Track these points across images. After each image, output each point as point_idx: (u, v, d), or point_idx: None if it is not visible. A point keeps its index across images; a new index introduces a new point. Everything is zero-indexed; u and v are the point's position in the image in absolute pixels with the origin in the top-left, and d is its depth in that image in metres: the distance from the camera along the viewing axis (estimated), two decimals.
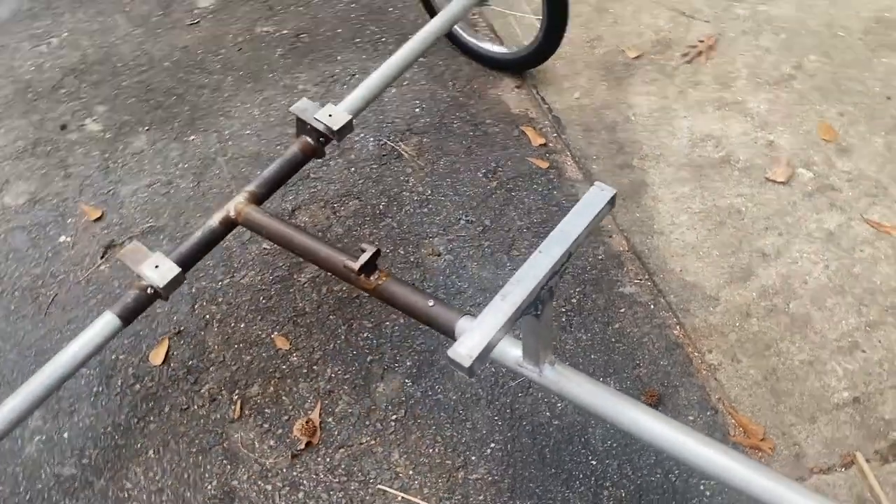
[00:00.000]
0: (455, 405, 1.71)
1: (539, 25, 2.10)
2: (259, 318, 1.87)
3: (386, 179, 2.13)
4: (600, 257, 1.94)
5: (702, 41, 2.35)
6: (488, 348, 0.95)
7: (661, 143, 2.15)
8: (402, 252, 1.98)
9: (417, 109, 2.30)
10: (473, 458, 1.64)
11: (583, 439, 1.66)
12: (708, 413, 1.68)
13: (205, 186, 2.15)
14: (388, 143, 2.21)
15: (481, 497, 1.59)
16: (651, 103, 2.24)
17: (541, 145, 2.18)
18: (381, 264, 1.94)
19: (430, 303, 1.34)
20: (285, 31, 2.56)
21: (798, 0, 2.50)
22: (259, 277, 1.95)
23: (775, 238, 1.93)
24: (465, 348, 0.93)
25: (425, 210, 2.06)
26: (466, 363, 0.92)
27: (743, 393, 1.70)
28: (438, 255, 1.97)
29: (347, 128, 1.67)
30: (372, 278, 1.41)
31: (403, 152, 2.19)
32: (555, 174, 2.12)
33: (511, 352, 1.22)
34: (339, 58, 2.47)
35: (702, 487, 1.59)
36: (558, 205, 2.04)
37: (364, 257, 1.39)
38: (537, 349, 1.13)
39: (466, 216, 2.04)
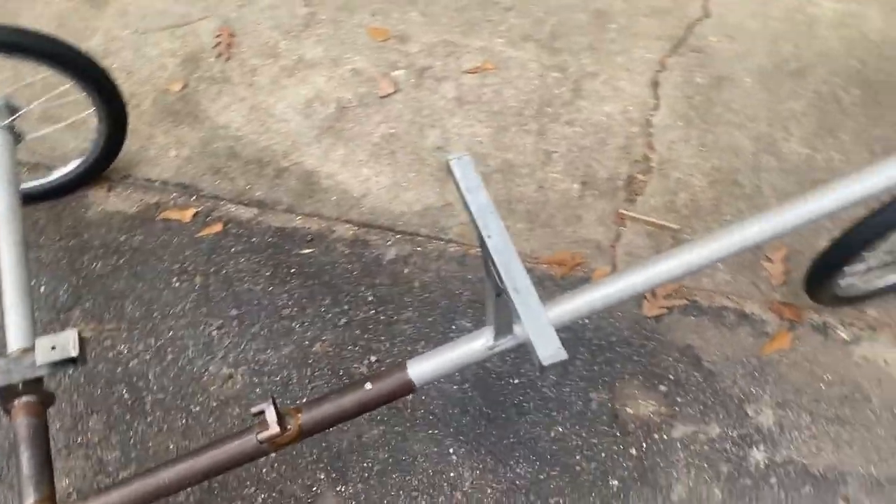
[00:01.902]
0: (395, 460, 1.61)
1: (95, 123, 1.82)
2: None
3: (97, 370, 1.72)
4: (346, 252, 1.91)
5: (218, 35, 2.28)
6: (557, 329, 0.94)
7: (283, 134, 2.11)
8: (196, 408, 1.67)
9: (42, 289, 1.85)
10: (452, 473, 1.60)
11: (494, 376, 1.72)
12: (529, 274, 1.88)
13: None
14: None
15: (489, 490, 1.58)
16: (239, 111, 2.15)
17: (194, 216, 1.96)
18: (190, 436, 1.65)
19: (368, 386, 1.21)
20: None
21: None
22: None
23: (435, 131, 2.12)
24: (546, 349, 0.90)
25: (170, 356, 1.74)
26: (562, 355, 0.90)
27: (530, 244, 1.92)
28: (230, 378, 1.72)
29: (84, 344, 1.29)
30: (290, 427, 1.20)
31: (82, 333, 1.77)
32: (235, 227, 1.95)
33: (478, 343, 1.19)
34: None
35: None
36: (272, 245, 1.91)
37: (271, 415, 1.17)
38: (510, 318, 1.14)
39: (210, 325, 1.79)
